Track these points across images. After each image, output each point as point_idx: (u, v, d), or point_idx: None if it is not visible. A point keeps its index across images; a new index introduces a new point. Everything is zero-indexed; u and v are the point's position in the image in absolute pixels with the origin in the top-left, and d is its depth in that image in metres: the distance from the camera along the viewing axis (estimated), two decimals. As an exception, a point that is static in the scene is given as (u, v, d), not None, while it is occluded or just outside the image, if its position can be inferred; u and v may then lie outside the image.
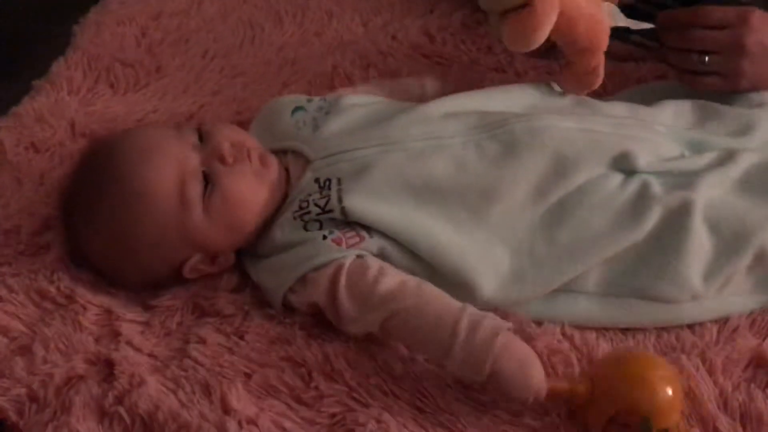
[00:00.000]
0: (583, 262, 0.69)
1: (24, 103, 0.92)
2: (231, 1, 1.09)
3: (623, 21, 0.80)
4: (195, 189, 0.70)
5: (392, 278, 0.67)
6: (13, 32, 1.08)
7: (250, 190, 0.71)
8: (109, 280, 0.74)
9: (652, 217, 0.69)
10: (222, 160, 0.70)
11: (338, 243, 0.69)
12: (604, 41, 0.75)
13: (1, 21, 1.11)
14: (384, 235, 0.70)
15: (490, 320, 0.64)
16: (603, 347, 0.68)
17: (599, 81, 0.77)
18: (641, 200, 0.70)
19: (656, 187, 0.71)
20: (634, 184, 0.71)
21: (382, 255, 0.70)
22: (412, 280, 0.67)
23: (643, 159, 0.72)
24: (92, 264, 0.74)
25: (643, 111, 0.78)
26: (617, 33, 0.99)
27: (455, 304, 0.65)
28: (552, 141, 0.71)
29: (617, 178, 0.72)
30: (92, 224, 0.71)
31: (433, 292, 0.66)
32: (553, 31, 0.70)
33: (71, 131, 0.88)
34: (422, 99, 0.81)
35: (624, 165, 0.72)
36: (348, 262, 0.68)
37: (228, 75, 0.97)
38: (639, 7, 0.98)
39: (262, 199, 0.72)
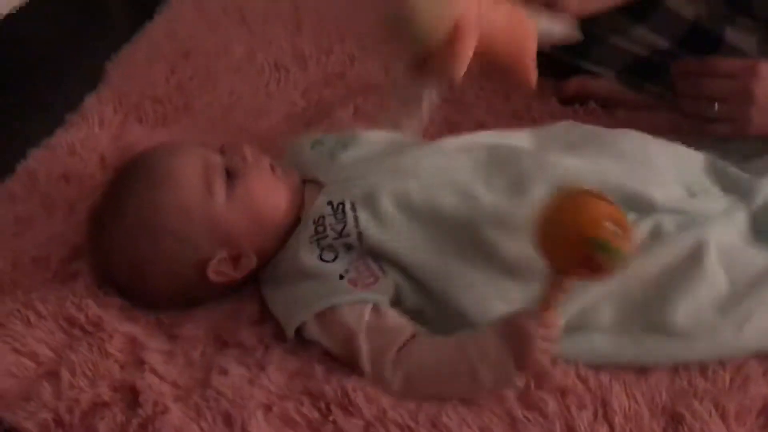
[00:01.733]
0: (592, 292, 0.70)
1: (57, 135, 0.95)
2: (257, 43, 1.13)
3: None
4: (219, 179, 0.72)
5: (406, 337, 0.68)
6: (48, 67, 1.11)
7: (271, 185, 0.74)
8: (132, 296, 0.74)
9: (666, 254, 0.71)
10: (244, 158, 0.74)
11: (354, 284, 0.70)
12: (527, 51, 0.74)
13: (37, 56, 1.14)
14: (397, 268, 0.71)
15: (489, 332, 0.66)
16: (616, 389, 0.70)
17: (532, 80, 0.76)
18: (654, 237, 0.72)
19: (669, 225, 0.72)
20: (647, 223, 0.72)
21: (397, 295, 0.71)
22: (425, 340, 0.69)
23: (658, 197, 0.74)
24: (117, 272, 0.74)
25: (652, 148, 0.80)
26: (631, 82, 1.03)
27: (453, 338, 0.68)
28: (560, 177, 0.73)
29: (630, 216, 0.73)
30: (118, 218, 0.72)
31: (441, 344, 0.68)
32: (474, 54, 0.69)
33: (101, 164, 0.91)
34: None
35: (637, 204, 0.73)
36: (366, 317, 0.68)
37: (253, 114, 1.00)
38: (654, 59, 1.01)
39: (283, 198, 0.74)
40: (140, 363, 0.71)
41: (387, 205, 0.72)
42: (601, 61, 1.04)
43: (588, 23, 1.01)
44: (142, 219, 0.72)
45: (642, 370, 0.71)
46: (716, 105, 0.82)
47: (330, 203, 0.73)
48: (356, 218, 0.71)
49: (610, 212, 0.64)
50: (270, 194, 0.74)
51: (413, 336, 0.69)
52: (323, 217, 0.72)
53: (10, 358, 0.70)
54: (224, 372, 0.70)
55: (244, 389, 0.68)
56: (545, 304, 0.66)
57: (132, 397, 0.68)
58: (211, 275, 0.73)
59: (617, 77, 1.04)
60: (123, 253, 0.73)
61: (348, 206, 0.72)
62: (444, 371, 0.67)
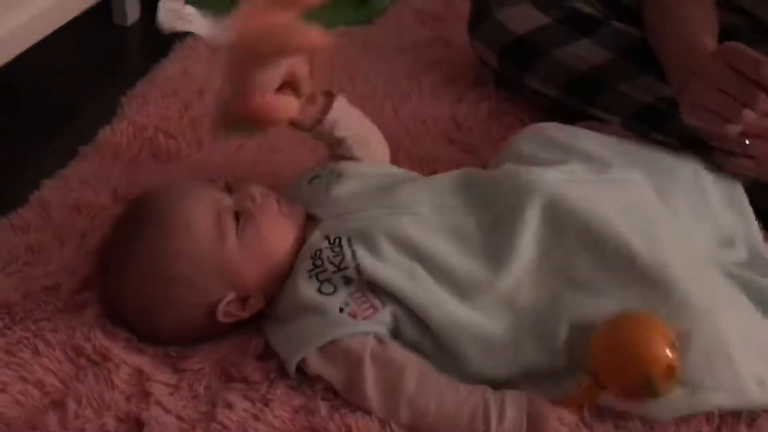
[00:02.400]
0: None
1: (70, 167, 0.96)
2: (270, 82, 1.15)
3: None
4: (229, 224, 0.73)
5: (413, 372, 0.69)
6: (64, 100, 1.13)
7: (280, 226, 0.75)
8: (140, 334, 0.75)
9: None
10: (252, 199, 0.74)
11: (354, 316, 0.71)
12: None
13: (53, 89, 1.16)
14: (395, 301, 0.71)
15: (511, 398, 0.67)
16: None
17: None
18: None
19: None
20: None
21: (394, 325, 0.72)
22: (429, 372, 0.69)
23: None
24: (126, 312, 0.75)
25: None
26: (637, 129, 1.04)
27: (473, 392, 0.68)
28: (541, 194, 0.74)
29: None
30: (128, 262, 0.73)
31: (449, 384, 0.69)
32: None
33: (113, 196, 0.92)
34: None
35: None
36: (368, 350, 0.69)
37: (266, 151, 1.01)
38: (660, 107, 1.03)
39: (290, 237, 0.75)
40: (146, 395, 0.71)
41: (382, 242, 0.73)
42: (608, 107, 1.05)
43: (595, 71, 1.04)
44: (153, 266, 0.72)
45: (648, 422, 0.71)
46: (747, 141, 0.80)
47: (327, 237, 0.74)
48: (354, 252, 0.72)
49: (668, 355, 0.66)
50: (278, 235, 0.75)
51: (424, 369, 0.70)
52: (320, 250, 0.73)
53: (18, 387, 0.71)
54: (229, 406, 0.70)
55: (249, 424, 0.69)
56: (571, 402, 0.67)
57: (137, 428, 0.69)
58: (220, 316, 0.74)
59: (623, 124, 1.05)
60: (132, 297, 0.74)
61: (345, 241, 0.73)
62: (460, 420, 0.67)
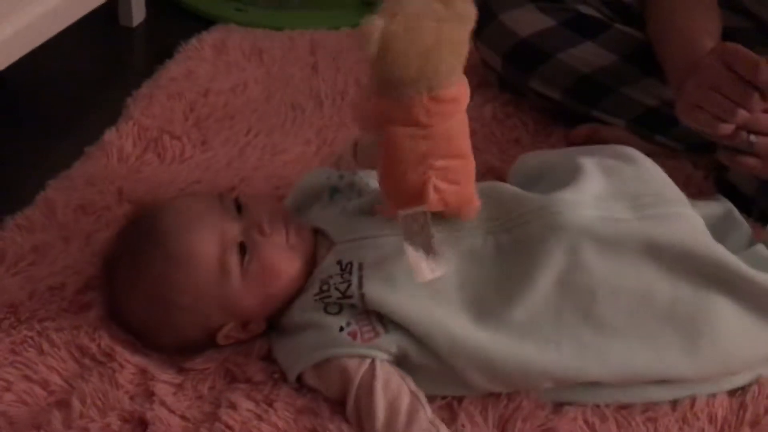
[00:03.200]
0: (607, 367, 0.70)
1: (75, 167, 0.97)
2: (274, 84, 1.15)
3: None
4: (234, 257, 0.72)
5: (391, 405, 0.68)
6: (70, 100, 1.14)
7: (286, 260, 0.74)
8: (143, 343, 0.76)
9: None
10: (261, 231, 0.73)
11: (353, 337, 0.70)
12: None
13: (59, 91, 1.17)
14: (401, 329, 0.71)
15: None
16: (624, 437, 0.70)
17: None
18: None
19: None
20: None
21: (400, 353, 0.71)
22: (403, 415, 0.68)
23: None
24: (129, 325, 0.76)
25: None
26: (641, 132, 1.04)
27: None
28: (570, 235, 0.72)
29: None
30: (133, 287, 0.74)
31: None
32: None
33: (118, 196, 0.92)
34: None
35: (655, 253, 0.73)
36: (360, 373, 0.69)
37: (270, 152, 1.01)
38: (664, 111, 1.03)
39: (297, 270, 0.74)
40: (150, 395, 0.71)
41: (397, 268, 0.71)
42: (612, 110, 1.05)
43: (598, 74, 1.04)
44: (157, 292, 0.72)
45: (650, 419, 0.72)
46: (753, 137, 0.79)
47: (339, 263, 0.73)
48: (361, 279, 0.71)
49: None
50: (284, 267, 0.74)
51: (400, 408, 0.69)
52: (330, 276, 0.73)
53: (22, 386, 0.71)
54: (233, 406, 0.70)
55: (252, 424, 0.69)
56: None
57: (141, 428, 0.69)
58: (220, 340, 0.75)
59: (627, 127, 1.05)
60: (136, 315, 0.75)
61: (356, 266, 0.72)
62: None
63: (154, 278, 0.73)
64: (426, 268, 0.67)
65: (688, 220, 0.76)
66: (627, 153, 0.82)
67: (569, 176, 0.78)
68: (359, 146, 0.83)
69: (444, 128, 0.67)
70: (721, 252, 0.73)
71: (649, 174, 0.80)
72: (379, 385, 0.69)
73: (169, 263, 0.72)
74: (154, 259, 0.73)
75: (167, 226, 0.74)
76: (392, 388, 0.69)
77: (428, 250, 0.67)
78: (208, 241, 0.72)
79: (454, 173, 0.68)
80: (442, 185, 0.67)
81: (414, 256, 0.67)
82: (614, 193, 0.76)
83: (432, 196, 0.67)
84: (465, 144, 0.70)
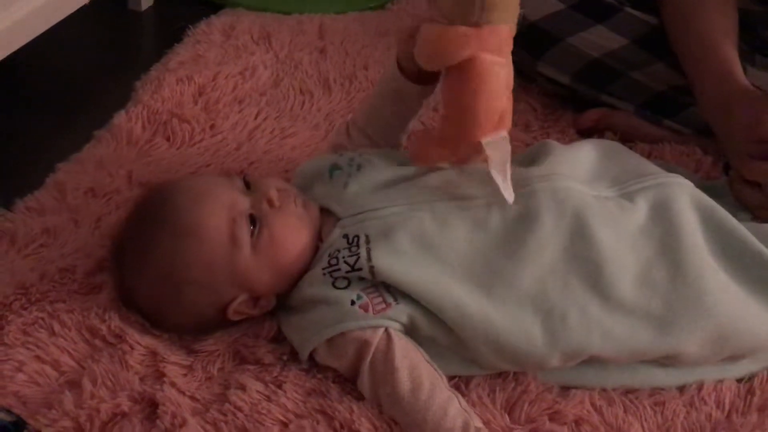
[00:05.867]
0: (612, 345, 0.71)
1: (85, 150, 0.97)
2: (283, 68, 1.15)
3: None
4: (244, 229, 0.72)
5: (411, 373, 0.69)
6: (79, 84, 1.14)
7: (295, 231, 0.74)
8: (154, 323, 0.76)
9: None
10: (270, 202, 0.74)
11: (365, 310, 0.70)
12: None
13: (68, 74, 1.17)
14: (411, 299, 0.71)
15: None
16: (630, 420, 0.70)
17: None
18: None
19: None
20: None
21: (410, 324, 0.71)
22: (426, 382, 0.69)
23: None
24: (140, 305, 0.76)
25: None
26: (649, 117, 1.04)
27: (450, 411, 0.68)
28: (571, 204, 0.73)
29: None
30: (143, 267, 0.74)
31: (441, 399, 0.68)
32: None
33: (128, 180, 0.92)
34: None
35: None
36: (375, 342, 0.69)
37: (278, 136, 1.01)
38: (671, 95, 1.02)
39: (305, 241, 0.75)
40: (160, 376, 0.72)
41: (402, 239, 0.72)
42: (621, 94, 1.05)
43: (608, 57, 1.04)
44: (167, 269, 0.72)
45: (658, 402, 0.72)
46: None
47: (345, 237, 0.73)
48: (369, 251, 0.71)
49: None
50: (294, 240, 0.74)
51: (420, 375, 0.69)
52: (338, 250, 0.73)
53: (34, 366, 0.72)
54: (242, 387, 0.71)
55: (262, 405, 0.69)
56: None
57: (151, 409, 0.69)
58: (231, 315, 0.75)
59: (636, 111, 1.05)
60: (146, 294, 0.75)
61: (362, 239, 0.72)
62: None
63: (163, 255, 0.72)
64: (510, 191, 0.71)
65: (678, 186, 0.77)
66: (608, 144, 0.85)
67: (562, 154, 0.80)
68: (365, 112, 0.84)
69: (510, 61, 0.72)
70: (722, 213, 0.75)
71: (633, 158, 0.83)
72: (397, 352, 0.69)
73: (178, 239, 0.72)
74: (163, 237, 0.73)
75: (175, 203, 0.74)
76: (411, 356, 0.70)
77: (507, 174, 0.71)
78: (217, 214, 0.72)
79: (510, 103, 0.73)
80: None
81: (501, 181, 0.71)
82: (599, 175, 0.78)
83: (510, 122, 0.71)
84: None
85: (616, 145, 0.86)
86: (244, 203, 0.74)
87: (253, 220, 0.73)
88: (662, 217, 0.74)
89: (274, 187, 0.75)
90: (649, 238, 0.73)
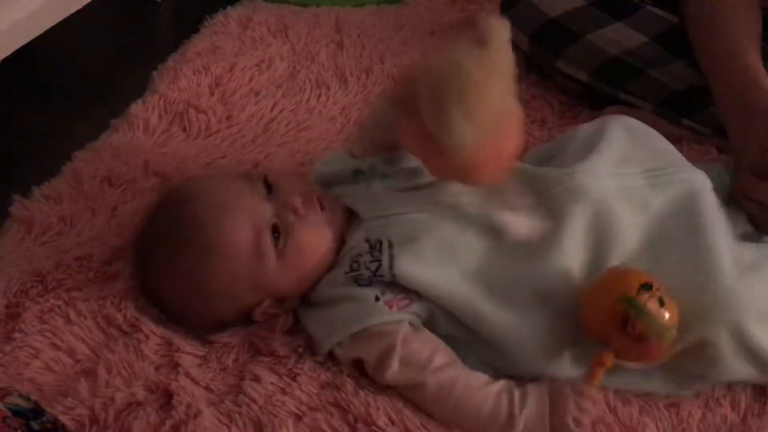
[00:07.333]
0: None
1: (102, 139, 0.97)
2: (300, 61, 1.15)
3: None
4: (268, 240, 0.72)
5: (442, 358, 0.70)
6: (96, 74, 1.14)
7: (321, 238, 0.74)
8: (176, 322, 0.76)
9: None
10: (295, 211, 0.73)
11: (390, 306, 0.71)
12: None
13: (86, 65, 1.17)
14: (430, 301, 0.71)
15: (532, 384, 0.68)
16: (645, 421, 0.70)
17: None
18: None
19: None
20: None
21: (431, 318, 0.72)
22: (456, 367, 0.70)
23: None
24: (163, 306, 0.76)
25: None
26: (668, 116, 1.03)
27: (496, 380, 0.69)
28: (591, 202, 0.73)
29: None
30: (168, 274, 0.74)
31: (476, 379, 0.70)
32: None
33: (144, 169, 0.92)
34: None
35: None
36: (401, 335, 0.70)
37: (294, 128, 1.01)
38: (691, 95, 1.01)
39: (330, 245, 0.75)
40: (175, 366, 0.72)
41: (427, 246, 0.72)
42: (639, 93, 1.04)
43: (627, 55, 1.03)
44: (192, 281, 0.73)
45: (673, 404, 0.72)
46: None
47: (368, 241, 0.73)
48: (392, 258, 0.71)
49: (643, 277, 0.67)
50: (318, 245, 0.74)
51: (454, 356, 0.70)
52: (360, 255, 0.73)
53: (50, 354, 0.72)
54: (257, 379, 0.71)
55: (276, 397, 0.69)
56: (589, 377, 0.67)
57: (165, 398, 0.69)
58: (257, 317, 0.75)
59: (654, 110, 1.04)
60: (170, 299, 0.75)
61: (386, 245, 0.72)
62: (485, 401, 0.68)
63: (190, 267, 0.72)
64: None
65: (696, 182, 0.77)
66: (634, 125, 0.84)
67: (584, 148, 0.79)
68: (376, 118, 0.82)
69: None
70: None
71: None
72: (426, 337, 0.70)
73: (203, 254, 0.72)
74: (189, 251, 0.72)
75: (199, 216, 0.73)
76: (436, 343, 0.71)
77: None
78: (241, 227, 0.72)
79: None
80: None
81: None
82: (627, 159, 0.78)
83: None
84: None
85: (645, 128, 0.85)
86: (267, 212, 0.73)
87: (276, 228, 0.73)
88: (688, 213, 0.74)
89: (298, 194, 0.74)
90: (671, 233, 0.73)
